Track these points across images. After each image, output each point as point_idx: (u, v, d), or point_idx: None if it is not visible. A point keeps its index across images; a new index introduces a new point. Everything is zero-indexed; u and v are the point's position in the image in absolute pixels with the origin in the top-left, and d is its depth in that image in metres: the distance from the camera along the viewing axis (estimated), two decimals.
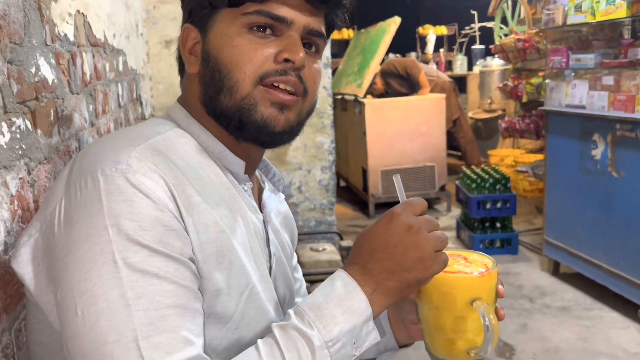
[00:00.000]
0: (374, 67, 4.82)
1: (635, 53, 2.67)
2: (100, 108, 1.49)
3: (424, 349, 0.78)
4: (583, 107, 2.93)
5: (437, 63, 7.58)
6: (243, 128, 0.74)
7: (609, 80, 2.78)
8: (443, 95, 4.91)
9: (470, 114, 6.45)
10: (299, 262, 1.01)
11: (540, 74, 3.91)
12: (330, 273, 0.72)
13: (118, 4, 1.96)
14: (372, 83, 5.03)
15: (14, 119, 0.84)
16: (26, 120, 0.90)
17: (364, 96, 4.82)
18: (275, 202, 0.88)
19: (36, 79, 0.97)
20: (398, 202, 0.72)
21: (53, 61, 1.09)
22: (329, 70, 3.26)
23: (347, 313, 0.65)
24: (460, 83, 6.48)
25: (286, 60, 0.72)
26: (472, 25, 7.44)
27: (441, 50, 8.03)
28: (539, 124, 3.98)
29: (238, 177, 0.78)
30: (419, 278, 0.68)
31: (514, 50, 4.21)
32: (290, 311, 0.67)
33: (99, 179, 0.63)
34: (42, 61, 1.01)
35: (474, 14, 7.26)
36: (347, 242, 3.13)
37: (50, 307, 0.66)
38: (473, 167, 4.11)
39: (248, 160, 0.79)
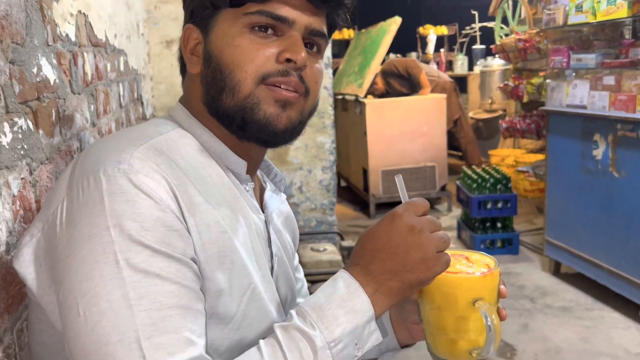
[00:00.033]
0: (375, 67, 4.82)
1: (636, 53, 2.67)
2: (101, 108, 1.49)
3: (426, 349, 0.78)
4: (584, 107, 2.93)
5: (437, 63, 7.58)
6: (245, 127, 0.74)
7: (610, 80, 2.77)
8: (444, 95, 4.91)
9: (470, 114, 6.45)
10: (300, 262, 1.01)
11: (541, 74, 3.91)
12: (331, 273, 0.72)
13: (119, 4, 1.96)
14: (373, 83, 5.03)
15: (15, 119, 0.84)
16: (28, 121, 0.90)
17: (365, 96, 4.82)
18: (276, 202, 0.88)
19: (38, 79, 0.97)
20: (399, 202, 0.72)
21: (55, 61, 1.09)
22: (330, 70, 3.26)
23: (349, 314, 0.65)
24: (460, 83, 6.48)
25: (288, 60, 0.72)
26: (473, 25, 7.43)
27: (442, 50, 8.03)
28: (540, 124, 3.98)
29: (240, 177, 0.78)
30: (421, 279, 0.67)
31: (515, 50, 4.21)
32: (292, 312, 0.67)
33: (101, 179, 0.63)
34: (43, 61, 1.01)
35: (474, 14, 7.26)
36: (348, 242, 3.13)
37: (52, 308, 0.66)
38: (474, 167, 4.11)
39: (250, 160, 0.79)
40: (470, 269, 0.72)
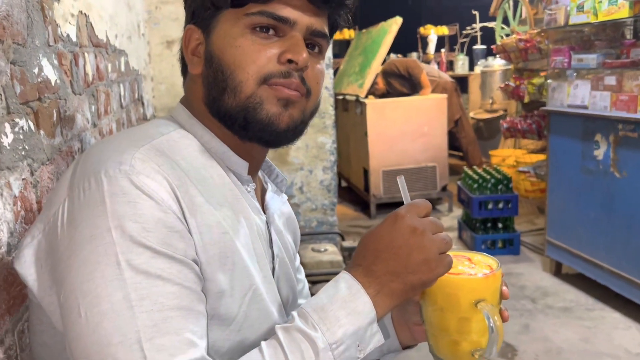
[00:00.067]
0: (376, 67, 4.82)
1: (637, 53, 2.66)
2: (102, 109, 1.49)
3: (427, 350, 0.77)
4: (585, 108, 2.93)
5: (438, 63, 7.58)
6: (248, 127, 0.74)
7: (611, 80, 2.77)
8: (445, 96, 4.91)
9: (471, 114, 6.45)
10: (301, 262, 1.01)
11: (542, 74, 3.90)
12: (332, 274, 0.71)
13: (120, 5, 1.96)
14: (374, 83, 5.03)
15: (17, 119, 0.84)
16: (29, 121, 0.90)
17: (366, 96, 4.82)
18: (278, 203, 0.88)
19: (39, 80, 0.96)
20: (399, 202, 0.72)
21: (56, 62, 1.08)
22: (331, 71, 3.26)
23: (351, 315, 0.65)
24: (461, 83, 6.48)
25: (289, 61, 0.72)
26: (474, 25, 7.43)
27: (442, 50, 8.03)
28: (541, 124, 3.97)
29: (241, 178, 0.78)
30: (424, 280, 0.67)
31: (516, 51, 4.20)
32: (294, 313, 0.67)
33: (102, 180, 0.63)
34: (44, 62, 1.01)
35: (475, 14, 7.26)
36: (348, 243, 3.13)
37: (53, 309, 0.66)
38: (475, 167, 4.11)
39: (251, 161, 0.79)
40: (473, 270, 0.72)
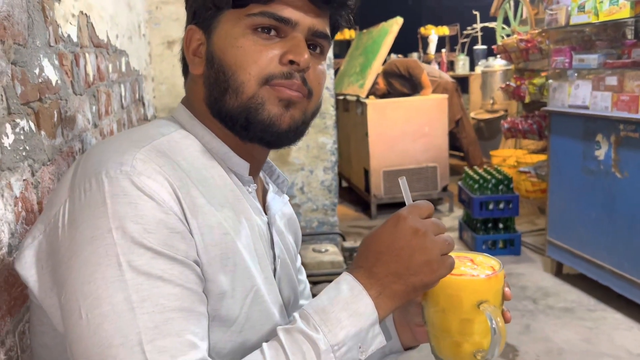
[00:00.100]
0: (376, 67, 4.82)
1: (638, 53, 2.66)
2: (103, 109, 1.49)
3: (428, 351, 0.77)
4: (586, 108, 2.92)
5: (439, 63, 7.58)
6: (249, 128, 0.73)
7: (612, 80, 2.77)
8: (445, 96, 4.91)
9: (472, 115, 6.44)
10: (302, 263, 1.01)
11: (543, 74, 3.90)
12: (333, 274, 0.71)
13: (121, 5, 1.96)
14: (374, 83, 5.03)
15: (17, 120, 0.84)
16: (30, 122, 0.90)
17: (366, 97, 4.82)
18: (279, 203, 0.87)
19: (40, 80, 0.96)
20: (400, 202, 0.72)
21: (56, 62, 1.08)
22: (331, 71, 3.26)
23: (353, 317, 0.65)
24: (462, 83, 6.47)
25: (291, 62, 0.72)
26: (474, 25, 7.43)
27: (443, 50, 8.03)
28: (542, 124, 3.97)
29: (242, 178, 0.78)
30: (426, 281, 0.67)
31: (517, 51, 4.20)
32: (296, 314, 0.67)
33: (103, 180, 0.63)
34: (45, 62, 1.01)
35: (476, 14, 7.26)
36: (349, 243, 3.13)
37: (54, 310, 0.66)
38: (475, 167, 4.11)
39: (252, 161, 0.79)
40: (475, 271, 0.72)
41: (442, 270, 0.67)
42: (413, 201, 0.72)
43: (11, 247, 0.78)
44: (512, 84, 4.38)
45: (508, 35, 5.01)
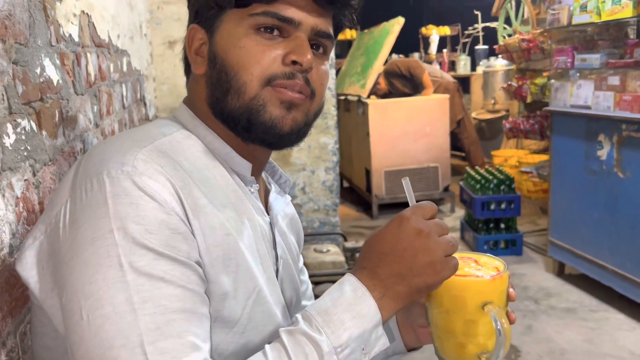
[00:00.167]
0: (378, 67, 4.81)
1: None
2: (104, 109, 1.49)
3: (431, 351, 0.77)
4: (588, 108, 2.92)
5: (440, 63, 7.57)
6: (251, 129, 0.73)
7: (614, 80, 2.76)
8: (447, 96, 4.90)
9: (473, 115, 6.44)
10: (303, 263, 1.00)
11: (545, 74, 3.89)
12: (334, 274, 0.71)
13: (122, 5, 1.96)
14: (376, 83, 5.03)
15: (19, 120, 0.84)
16: (31, 122, 0.89)
17: (368, 97, 4.81)
18: (281, 204, 0.87)
19: (41, 80, 0.96)
20: (401, 202, 0.71)
21: (58, 62, 1.08)
22: (333, 71, 3.25)
23: (356, 318, 0.64)
24: (463, 83, 6.47)
25: (294, 62, 0.71)
26: (476, 25, 7.43)
27: (444, 50, 8.02)
28: (544, 124, 3.96)
29: (244, 179, 0.77)
30: (429, 283, 0.67)
31: (518, 51, 4.20)
32: (298, 316, 0.66)
33: (104, 181, 0.62)
34: (47, 62, 1.01)
35: (477, 14, 7.25)
36: (351, 244, 3.12)
37: (55, 311, 0.65)
38: (477, 167, 4.10)
39: (254, 161, 0.78)
40: (479, 271, 0.71)
41: (445, 271, 0.67)
42: (416, 202, 0.71)
43: (12, 248, 0.78)
44: (514, 83, 4.37)
45: (510, 35, 5.00)
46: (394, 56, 6.89)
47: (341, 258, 2.85)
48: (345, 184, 5.75)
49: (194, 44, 0.77)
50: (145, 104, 2.34)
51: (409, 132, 4.66)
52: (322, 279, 2.62)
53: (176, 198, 0.64)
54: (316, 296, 0.75)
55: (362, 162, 4.91)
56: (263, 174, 0.87)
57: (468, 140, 5.77)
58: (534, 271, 3.44)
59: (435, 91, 5.19)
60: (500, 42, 4.87)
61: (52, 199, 0.70)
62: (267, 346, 0.64)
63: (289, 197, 0.91)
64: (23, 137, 0.85)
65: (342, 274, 0.70)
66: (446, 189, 4.81)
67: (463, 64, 7.46)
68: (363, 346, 0.65)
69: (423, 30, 8.38)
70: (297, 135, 0.76)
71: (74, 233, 0.62)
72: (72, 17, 1.23)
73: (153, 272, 0.60)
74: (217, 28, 0.74)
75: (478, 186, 3.74)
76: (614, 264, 2.80)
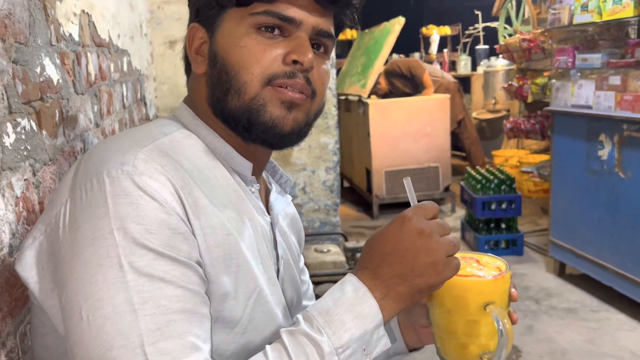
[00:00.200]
0: (378, 67, 4.81)
1: None
2: (105, 109, 1.48)
3: (432, 352, 0.76)
4: (589, 107, 2.91)
5: (440, 63, 7.57)
6: (251, 129, 0.73)
7: (615, 80, 2.76)
8: (447, 96, 4.90)
9: (474, 115, 6.44)
10: (304, 263, 1.00)
11: (546, 74, 3.89)
12: (335, 274, 0.71)
13: (122, 4, 1.95)
14: (376, 83, 5.02)
15: (19, 119, 0.83)
16: (31, 121, 0.89)
17: (368, 96, 4.81)
18: (282, 204, 0.87)
19: (41, 79, 0.96)
20: (402, 203, 0.71)
21: (58, 61, 1.08)
22: (333, 71, 3.25)
23: (357, 319, 0.64)
24: (464, 83, 6.47)
25: (294, 62, 0.71)
26: (476, 25, 7.42)
27: (445, 50, 8.02)
28: (544, 124, 3.96)
29: (245, 178, 0.77)
30: (431, 283, 0.66)
31: (519, 50, 4.19)
32: (299, 316, 0.66)
33: (104, 180, 0.62)
34: (47, 61, 1.00)
35: (477, 14, 7.25)
36: (351, 243, 3.12)
37: (54, 311, 0.65)
38: (478, 167, 4.10)
39: (255, 161, 0.78)
40: (481, 272, 0.71)
41: (447, 272, 0.66)
42: (418, 202, 0.71)
43: (12, 248, 0.78)
44: (515, 83, 4.37)
45: (510, 35, 5.00)
46: (395, 56, 6.88)
47: (342, 258, 2.84)
48: (346, 184, 5.74)
49: (195, 43, 0.77)
50: (145, 104, 2.34)
51: (409, 132, 4.66)
52: (322, 279, 2.61)
53: (177, 198, 0.64)
54: (317, 296, 0.74)
55: (363, 162, 4.91)
56: (264, 174, 0.87)
57: (469, 140, 5.77)
58: (535, 271, 3.43)
59: (435, 91, 5.18)
60: (501, 41, 4.87)
61: (52, 198, 0.70)
62: (267, 347, 0.64)
63: (289, 197, 0.91)
64: (23, 137, 0.85)
65: (343, 274, 0.70)
66: (447, 189, 4.81)
67: (464, 63, 7.46)
68: (364, 347, 0.64)
69: (424, 30, 8.38)
70: (297, 135, 0.75)
71: (74, 233, 0.62)
72: (72, 16, 1.23)
73: (153, 273, 0.60)
74: (218, 27, 0.74)
75: (479, 186, 3.73)
76: (615, 264, 2.80)
